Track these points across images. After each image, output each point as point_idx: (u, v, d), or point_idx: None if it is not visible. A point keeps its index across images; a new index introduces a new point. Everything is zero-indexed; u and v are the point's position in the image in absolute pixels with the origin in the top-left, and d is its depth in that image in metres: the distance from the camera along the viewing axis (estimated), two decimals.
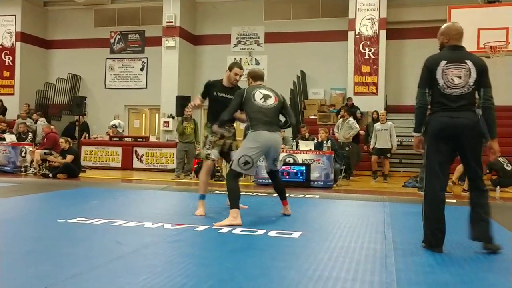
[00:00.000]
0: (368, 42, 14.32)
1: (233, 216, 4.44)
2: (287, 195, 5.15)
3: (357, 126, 10.93)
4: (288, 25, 16.09)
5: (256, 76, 5.03)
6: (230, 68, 5.19)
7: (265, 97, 4.77)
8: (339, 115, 11.62)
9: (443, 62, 3.53)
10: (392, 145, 10.58)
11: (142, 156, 13.14)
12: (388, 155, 10.66)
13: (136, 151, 13.21)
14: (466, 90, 3.50)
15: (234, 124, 5.45)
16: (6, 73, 17.20)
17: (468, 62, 3.52)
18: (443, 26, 3.76)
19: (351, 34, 14.49)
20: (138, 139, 13.75)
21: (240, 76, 5.21)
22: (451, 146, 3.56)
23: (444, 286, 2.70)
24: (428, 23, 14.48)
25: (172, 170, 11.64)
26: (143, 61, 17.37)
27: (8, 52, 17.19)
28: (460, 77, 3.49)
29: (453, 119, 3.48)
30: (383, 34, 14.28)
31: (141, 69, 17.40)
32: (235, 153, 4.97)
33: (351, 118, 11.07)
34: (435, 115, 3.57)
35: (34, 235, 3.90)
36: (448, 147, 3.56)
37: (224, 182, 9.06)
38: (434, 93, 3.57)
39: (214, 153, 5.18)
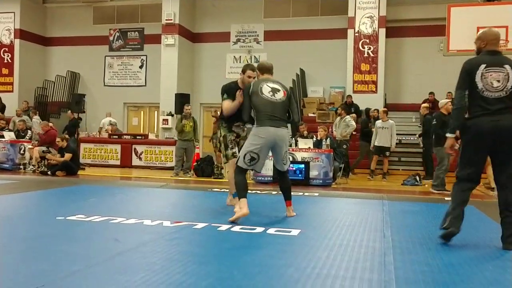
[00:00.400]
0: (368, 40, 14.31)
1: (240, 206, 4.43)
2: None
3: (354, 124, 10.92)
4: (287, 23, 16.07)
5: (263, 68, 4.86)
6: (244, 71, 5.13)
7: (274, 90, 4.62)
8: (337, 113, 11.60)
9: (482, 66, 3.61)
10: (391, 143, 10.56)
11: (141, 154, 13.14)
12: (387, 153, 10.64)
13: (135, 148, 13.20)
14: (504, 93, 3.58)
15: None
16: (5, 70, 17.18)
17: (507, 66, 3.62)
18: (480, 31, 3.88)
19: (350, 32, 14.49)
20: (137, 137, 13.75)
21: (254, 78, 5.08)
22: (489, 148, 3.65)
23: (442, 284, 2.70)
24: (427, 21, 14.50)
25: (171, 168, 11.64)
26: (142, 59, 17.36)
27: (7, 49, 17.17)
28: (499, 81, 3.59)
29: (493, 122, 3.56)
30: (382, 32, 14.27)
31: (140, 67, 17.38)
32: None
33: (347, 116, 11.07)
34: (476, 119, 3.63)
35: (33, 233, 3.90)
36: (485, 149, 3.66)
37: (224, 180, 9.08)
38: (472, 96, 3.63)
39: (237, 151, 5.17)
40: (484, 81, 3.58)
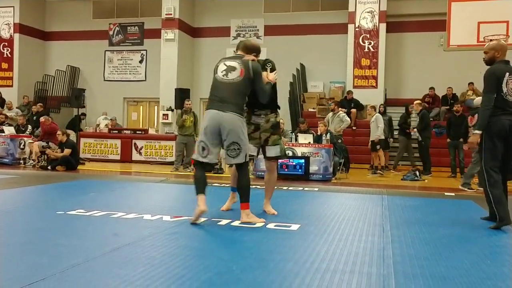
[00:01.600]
0: (368, 35, 14.27)
1: (198, 203, 4.09)
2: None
3: (348, 119, 10.89)
4: (287, 17, 16.02)
5: (238, 45, 4.41)
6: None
7: (228, 69, 4.07)
8: (330, 109, 11.52)
9: (507, 74, 4.25)
10: (382, 136, 10.58)
11: (141, 149, 13.14)
12: (378, 147, 10.61)
13: (135, 143, 13.20)
14: None
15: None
16: (4, 65, 17.14)
17: None
18: (493, 42, 4.54)
19: (350, 27, 14.44)
20: (137, 132, 13.74)
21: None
22: (504, 142, 4.21)
23: (440, 279, 2.71)
24: (428, 16, 14.46)
25: (171, 163, 11.65)
26: (142, 54, 17.32)
27: (6, 43, 17.10)
28: None
29: (510, 120, 4.19)
30: (383, 27, 14.22)
31: (140, 62, 17.34)
32: (271, 148, 4.52)
33: (341, 112, 11.07)
34: (496, 117, 4.21)
35: (33, 227, 3.91)
36: (503, 143, 4.22)
37: (223, 175, 9.09)
38: (497, 98, 4.22)
39: (250, 149, 4.43)
40: (508, 87, 4.21)
